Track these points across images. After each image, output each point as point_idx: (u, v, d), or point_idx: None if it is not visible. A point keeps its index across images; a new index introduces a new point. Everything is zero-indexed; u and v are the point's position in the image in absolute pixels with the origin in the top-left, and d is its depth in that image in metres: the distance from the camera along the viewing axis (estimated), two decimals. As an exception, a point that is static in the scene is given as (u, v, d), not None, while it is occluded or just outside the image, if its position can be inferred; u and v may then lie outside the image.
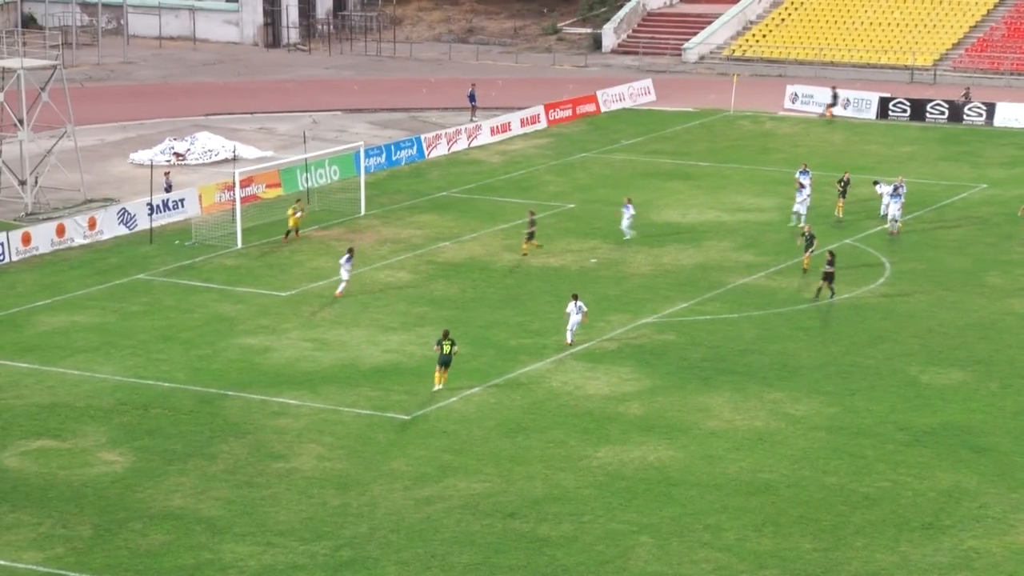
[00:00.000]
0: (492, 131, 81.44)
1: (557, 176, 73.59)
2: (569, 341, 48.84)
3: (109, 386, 45.81)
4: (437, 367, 45.23)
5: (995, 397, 44.98)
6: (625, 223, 61.26)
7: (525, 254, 59.04)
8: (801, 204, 63.22)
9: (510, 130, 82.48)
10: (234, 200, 62.64)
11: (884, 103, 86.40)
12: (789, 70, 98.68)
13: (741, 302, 53.81)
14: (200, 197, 66.00)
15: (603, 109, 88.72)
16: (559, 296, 54.14)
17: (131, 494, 38.56)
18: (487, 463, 40.32)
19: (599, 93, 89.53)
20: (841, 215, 63.98)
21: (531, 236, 59.45)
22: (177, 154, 75.56)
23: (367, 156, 71.89)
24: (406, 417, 43.47)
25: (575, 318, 48.86)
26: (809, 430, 42.42)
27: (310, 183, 69.41)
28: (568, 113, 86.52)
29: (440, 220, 65.37)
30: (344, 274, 54.26)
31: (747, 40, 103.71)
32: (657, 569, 34.58)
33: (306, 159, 69.88)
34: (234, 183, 62.94)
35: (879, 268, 57.51)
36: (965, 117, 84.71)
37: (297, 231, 61.73)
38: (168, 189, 66.36)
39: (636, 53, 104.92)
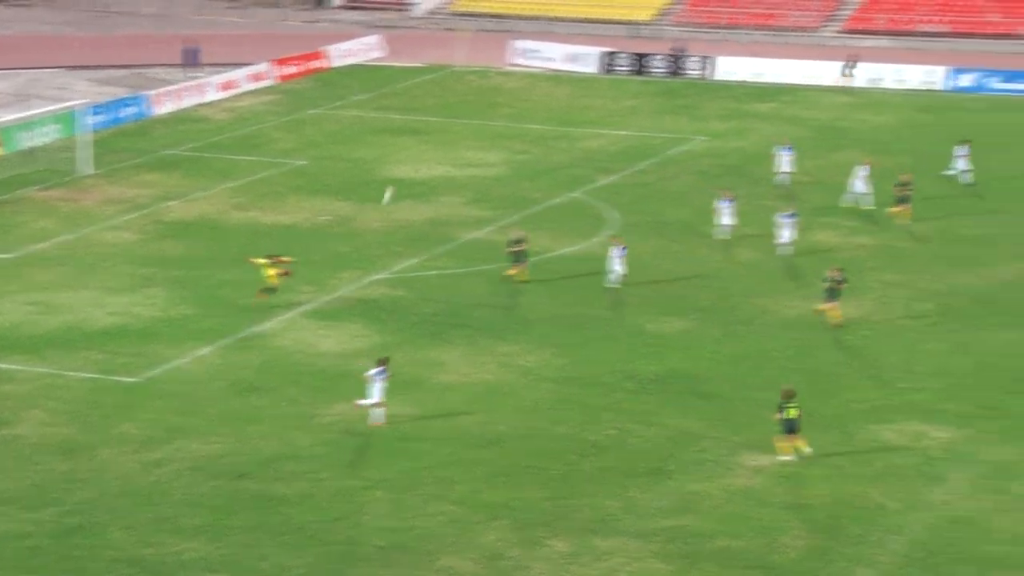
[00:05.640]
0: (219, 87, 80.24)
1: (287, 133, 72.96)
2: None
3: None
4: (784, 435, 37.81)
5: (717, 344, 46.30)
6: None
7: (507, 277, 50.83)
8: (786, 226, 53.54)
9: (238, 87, 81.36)
10: (-51, 160, 60.63)
11: (607, 57, 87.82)
12: (515, 25, 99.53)
13: (471, 257, 54.24)
14: (-87, 158, 63.69)
15: (333, 65, 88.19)
16: (289, 254, 53.87)
17: None
18: (218, 424, 39.92)
19: (328, 49, 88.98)
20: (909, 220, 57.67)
21: (518, 258, 50.69)
22: None
23: (90, 114, 70.18)
24: (133, 380, 42.73)
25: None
26: (539, 381, 43.07)
27: (32, 142, 67.50)
28: (297, 69, 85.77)
29: (167, 178, 64.24)
30: (376, 392, 39.64)
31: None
32: (391, 523, 34.76)
33: (27, 117, 67.88)
34: (-51, 143, 60.94)
35: (605, 220, 58.55)
36: (685, 71, 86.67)
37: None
38: None
39: (364, 8, 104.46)
